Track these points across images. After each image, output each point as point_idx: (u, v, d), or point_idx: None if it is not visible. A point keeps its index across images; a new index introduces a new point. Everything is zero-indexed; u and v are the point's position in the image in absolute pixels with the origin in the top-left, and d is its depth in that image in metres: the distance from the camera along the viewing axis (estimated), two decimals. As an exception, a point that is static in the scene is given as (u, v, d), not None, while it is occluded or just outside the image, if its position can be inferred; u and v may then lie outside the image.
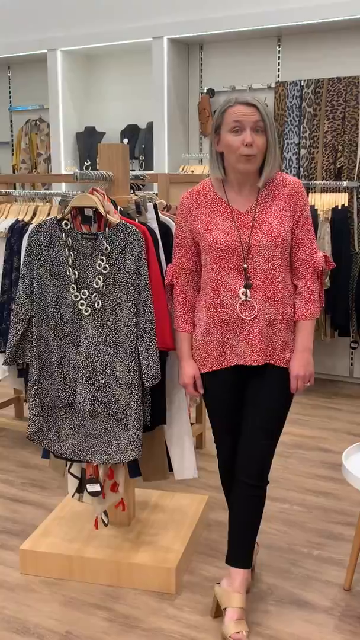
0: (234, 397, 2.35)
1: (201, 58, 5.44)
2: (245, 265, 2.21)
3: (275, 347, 2.27)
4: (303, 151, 4.91)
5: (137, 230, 2.35)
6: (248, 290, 2.22)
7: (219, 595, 2.35)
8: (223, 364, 2.30)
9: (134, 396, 2.38)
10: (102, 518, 2.63)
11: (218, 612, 2.35)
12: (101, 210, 2.33)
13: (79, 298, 2.40)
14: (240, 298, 2.22)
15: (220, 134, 2.20)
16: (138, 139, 5.67)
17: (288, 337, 2.29)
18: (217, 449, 2.46)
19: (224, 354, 2.29)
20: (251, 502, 2.35)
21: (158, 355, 2.37)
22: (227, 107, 2.17)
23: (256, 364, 2.26)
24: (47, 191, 4.35)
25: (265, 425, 2.31)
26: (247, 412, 2.33)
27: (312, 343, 2.30)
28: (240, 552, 2.37)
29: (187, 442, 2.68)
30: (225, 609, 2.30)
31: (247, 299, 2.22)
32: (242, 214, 2.24)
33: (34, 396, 2.49)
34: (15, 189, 4.49)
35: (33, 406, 2.50)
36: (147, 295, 2.34)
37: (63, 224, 2.41)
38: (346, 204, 4.67)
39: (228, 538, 2.38)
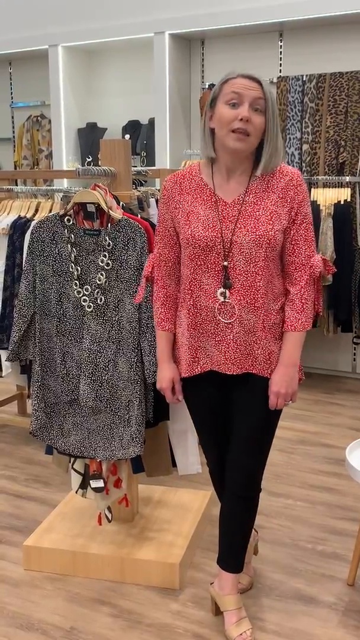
0: (217, 406, 2.19)
1: (203, 53, 5.43)
2: (225, 263, 2.00)
3: (257, 356, 2.06)
4: (305, 146, 4.90)
5: (140, 226, 2.35)
6: (227, 291, 2.01)
7: (215, 597, 2.35)
8: (196, 370, 2.12)
9: (136, 392, 2.38)
10: (105, 514, 2.63)
11: (219, 610, 2.35)
12: (103, 206, 2.33)
13: (81, 294, 2.40)
14: (219, 299, 2.02)
15: (215, 106, 1.97)
16: (140, 135, 5.66)
17: (274, 346, 2.07)
18: (206, 457, 2.32)
19: (197, 358, 2.11)
20: (241, 513, 2.24)
21: (161, 351, 2.36)
22: (229, 78, 1.95)
23: (231, 373, 2.08)
24: (49, 187, 4.35)
25: (253, 439, 2.14)
26: (234, 424, 2.16)
27: (299, 357, 2.08)
28: (230, 557, 2.29)
29: (190, 438, 2.68)
30: (222, 612, 2.30)
31: (226, 300, 2.02)
32: (227, 204, 2.01)
33: (37, 392, 2.49)
34: (16, 185, 4.48)
35: (36, 402, 2.50)
36: (150, 291, 2.34)
37: (65, 220, 2.40)
38: (349, 199, 4.66)
39: (219, 540, 2.32)
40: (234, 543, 2.29)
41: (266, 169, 2.00)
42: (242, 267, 2.00)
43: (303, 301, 2.05)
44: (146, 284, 2.23)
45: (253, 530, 2.56)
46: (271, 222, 1.99)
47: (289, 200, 2.01)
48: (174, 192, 2.09)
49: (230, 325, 2.04)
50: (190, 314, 2.09)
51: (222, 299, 2.03)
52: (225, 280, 2.02)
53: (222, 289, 2.02)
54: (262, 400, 2.10)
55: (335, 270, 2.12)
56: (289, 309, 2.07)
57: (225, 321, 2.04)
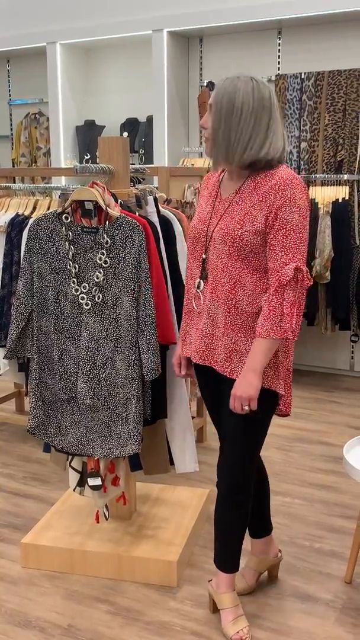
0: (213, 395, 2.26)
1: (201, 51, 5.42)
2: (204, 256, 2.13)
3: (218, 351, 2.10)
4: (303, 144, 4.90)
5: (138, 223, 2.34)
6: (202, 282, 2.13)
7: (212, 595, 2.35)
8: (185, 352, 2.27)
9: (134, 390, 2.38)
10: (103, 512, 2.63)
11: (217, 607, 2.35)
12: (101, 203, 2.32)
13: (79, 292, 2.40)
14: (196, 288, 2.16)
15: None
16: (138, 133, 5.66)
17: (238, 346, 2.07)
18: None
19: (185, 341, 2.26)
20: (230, 513, 2.25)
21: (158, 349, 2.36)
22: None
23: (195, 361, 2.19)
24: (47, 185, 4.34)
25: (232, 437, 2.17)
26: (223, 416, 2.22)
27: (262, 364, 2.00)
28: (224, 557, 2.30)
29: (188, 436, 2.68)
30: (219, 609, 2.30)
31: (199, 290, 2.15)
32: (222, 201, 2.12)
33: (35, 390, 2.49)
34: (14, 182, 4.48)
35: (34, 400, 2.50)
36: (148, 289, 2.34)
37: (63, 217, 2.40)
38: (347, 197, 4.66)
39: (214, 540, 2.33)
40: (226, 543, 2.29)
41: (215, 164, 2.08)
42: (213, 262, 2.11)
43: (270, 308, 1.99)
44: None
45: (277, 550, 2.55)
46: (241, 222, 2.02)
47: (268, 204, 1.99)
48: (202, 187, 2.28)
49: (200, 315, 2.16)
50: (184, 300, 2.27)
51: (196, 288, 2.17)
52: (203, 272, 2.14)
53: (198, 280, 2.16)
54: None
55: (311, 283, 2.03)
56: (260, 314, 2.02)
57: (198, 310, 2.17)
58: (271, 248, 2.00)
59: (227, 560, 2.30)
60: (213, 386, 2.22)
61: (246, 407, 2.03)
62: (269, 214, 1.99)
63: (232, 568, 2.30)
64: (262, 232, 2.00)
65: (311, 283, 2.04)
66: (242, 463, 2.20)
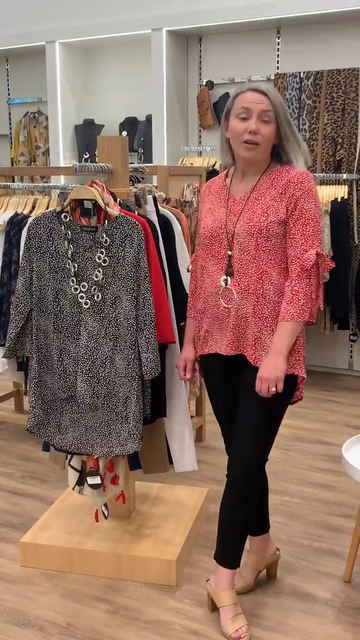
0: (226, 387, 2.29)
1: (200, 50, 5.42)
2: (229, 253, 2.18)
3: (248, 340, 2.18)
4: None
5: (137, 222, 2.34)
6: (229, 278, 2.18)
7: (210, 594, 2.35)
8: (205, 351, 2.30)
9: (133, 389, 2.38)
10: (102, 510, 2.63)
11: (215, 606, 2.35)
12: (100, 202, 2.32)
13: (78, 291, 2.40)
14: (221, 285, 2.19)
15: (229, 119, 2.17)
16: (137, 132, 5.66)
17: (262, 335, 2.16)
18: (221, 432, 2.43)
19: (206, 340, 2.29)
20: (236, 506, 2.24)
21: (158, 348, 2.36)
22: (239, 92, 2.15)
23: (226, 354, 2.21)
24: (46, 184, 4.34)
25: (248, 427, 2.20)
26: (237, 408, 2.25)
27: (287, 347, 2.10)
28: (226, 552, 2.31)
29: (187, 435, 2.68)
30: (218, 608, 2.30)
31: (227, 286, 2.18)
32: (236, 200, 2.21)
33: (34, 389, 2.49)
34: (13, 181, 4.48)
35: (33, 399, 2.50)
36: (147, 288, 2.34)
37: (62, 216, 2.40)
38: (346, 196, 4.66)
39: (217, 535, 2.33)
40: (231, 538, 2.30)
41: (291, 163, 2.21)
42: (238, 255, 2.17)
43: (293, 293, 2.10)
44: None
45: (275, 548, 2.56)
46: (265, 214, 2.13)
47: (288, 196, 2.14)
48: (204, 194, 2.35)
49: (229, 310, 2.19)
50: (202, 299, 2.30)
51: (224, 285, 2.19)
52: (228, 268, 2.18)
53: (224, 276, 2.19)
54: (254, 388, 2.15)
55: (334, 265, 2.18)
56: (283, 300, 2.13)
57: (225, 305, 2.19)
58: (291, 237, 2.13)
59: (229, 556, 2.30)
60: (227, 379, 2.27)
61: (273, 389, 2.09)
62: (289, 205, 2.13)
63: (233, 564, 2.31)
64: (284, 221, 2.13)
65: (333, 265, 2.19)
66: (256, 451, 2.23)
